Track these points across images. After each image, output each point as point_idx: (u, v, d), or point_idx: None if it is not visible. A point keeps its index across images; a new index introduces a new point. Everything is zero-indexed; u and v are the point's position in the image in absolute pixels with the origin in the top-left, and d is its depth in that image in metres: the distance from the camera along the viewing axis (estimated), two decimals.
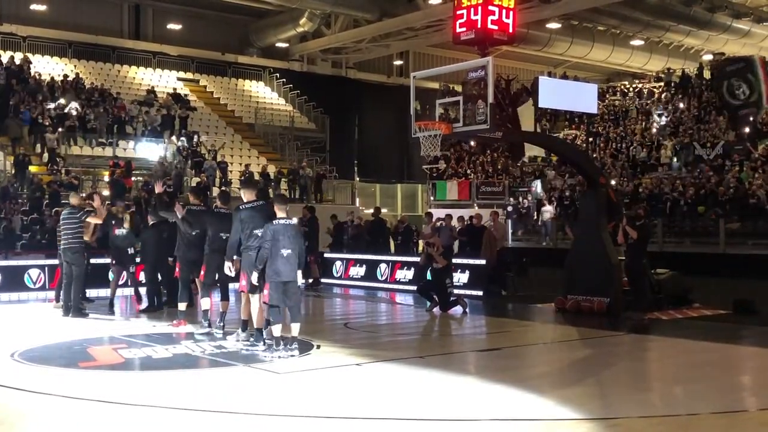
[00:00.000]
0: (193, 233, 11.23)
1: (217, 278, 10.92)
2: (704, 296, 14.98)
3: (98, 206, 13.75)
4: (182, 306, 11.85)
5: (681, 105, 31.43)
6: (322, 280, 19.85)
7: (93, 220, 13.45)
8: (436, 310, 14.18)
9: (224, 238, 10.52)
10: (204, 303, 11.07)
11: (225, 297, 11.13)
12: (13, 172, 23.53)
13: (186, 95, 33.55)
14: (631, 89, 36.66)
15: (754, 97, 25.72)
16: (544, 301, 15.34)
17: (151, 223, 14.14)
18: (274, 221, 9.22)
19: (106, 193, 23.59)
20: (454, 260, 17.39)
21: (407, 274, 18.56)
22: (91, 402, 7.20)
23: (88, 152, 26.77)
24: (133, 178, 25.08)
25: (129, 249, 14.14)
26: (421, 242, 21.98)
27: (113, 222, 14.23)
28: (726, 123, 27.91)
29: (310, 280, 18.95)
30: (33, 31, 32.81)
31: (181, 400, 7.26)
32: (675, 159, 27.23)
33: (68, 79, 30.08)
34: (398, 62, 42.40)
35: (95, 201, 14.00)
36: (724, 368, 9.31)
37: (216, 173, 26.92)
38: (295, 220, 9.78)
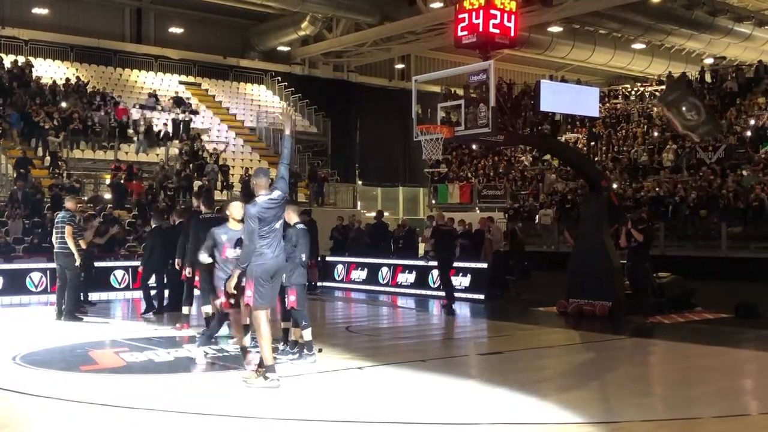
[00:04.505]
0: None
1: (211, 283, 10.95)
2: (706, 300, 14.96)
3: (89, 238, 13.84)
4: (186, 310, 11.90)
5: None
6: (325, 284, 19.86)
7: (69, 238, 12.81)
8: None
9: None
10: (203, 313, 11.07)
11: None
12: (14, 175, 23.54)
13: (188, 99, 33.58)
14: (632, 93, 36.66)
15: (703, 116, 25.91)
16: (546, 305, 15.33)
17: (153, 226, 14.11)
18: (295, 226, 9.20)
19: (108, 196, 23.67)
20: (455, 264, 17.46)
21: (408, 277, 18.57)
22: (93, 405, 7.19)
23: (89, 155, 26.81)
24: (134, 182, 25.12)
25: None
26: (421, 246, 22.02)
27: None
28: (727, 126, 27.89)
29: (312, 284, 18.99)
30: (35, 35, 32.85)
31: (183, 403, 7.25)
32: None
33: (70, 82, 30.13)
34: (400, 66, 42.43)
35: (88, 233, 14.14)
36: (726, 372, 9.29)
37: (218, 177, 26.96)
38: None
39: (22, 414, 7.02)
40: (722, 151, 26.24)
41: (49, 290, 16.16)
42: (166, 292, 14.05)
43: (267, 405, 7.25)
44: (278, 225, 7.93)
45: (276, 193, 7.89)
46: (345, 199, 31.23)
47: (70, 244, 12.83)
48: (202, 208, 11.41)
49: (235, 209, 8.94)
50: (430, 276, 17.87)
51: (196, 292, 12.39)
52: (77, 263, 13.02)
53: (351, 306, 17.40)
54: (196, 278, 11.19)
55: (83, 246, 13.56)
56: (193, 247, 11.02)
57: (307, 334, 9.22)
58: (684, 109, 24.95)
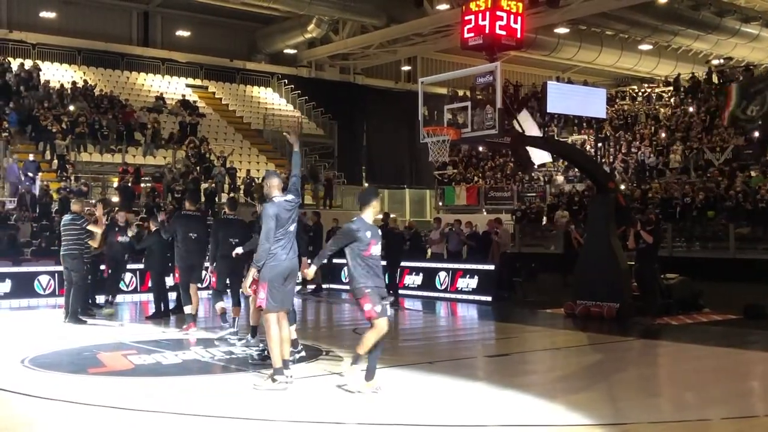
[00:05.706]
0: (193, 237, 11.58)
1: (228, 283, 11.13)
2: (714, 301, 14.93)
3: (99, 215, 13.80)
4: (188, 309, 11.98)
5: (690, 109, 31.35)
6: (332, 286, 19.85)
7: (92, 228, 13.31)
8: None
9: (233, 243, 10.75)
10: (218, 309, 11.18)
11: (236, 303, 11.21)
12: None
13: (195, 102, 33.67)
14: (639, 94, 36.55)
15: (763, 111, 25.91)
16: (553, 307, 15.31)
17: (153, 229, 14.05)
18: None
19: (115, 199, 23.72)
20: (462, 266, 17.50)
21: (416, 279, 18.55)
22: (101, 408, 7.21)
23: (97, 159, 26.88)
24: (141, 185, 25.19)
25: (124, 255, 14.99)
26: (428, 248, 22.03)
27: (116, 229, 14.59)
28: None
29: (313, 286, 19.05)
30: (42, 39, 33.02)
31: (191, 406, 7.26)
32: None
33: (77, 85, 30.23)
34: (406, 68, 42.45)
35: (97, 210, 14.06)
36: (735, 373, 9.27)
37: (225, 179, 27.01)
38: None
39: (29, 417, 7.04)
40: (729, 152, 26.18)
41: (57, 293, 16.19)
42: (172, 295, 14.11)
43: (276, 407, 7.25)
44: (292, 228, 8.00)
45: (290, 196, 8.06)
46: (352, 202, 31.22)
47: (96, 228, 13.30)
48: (226, 209, 11.73)
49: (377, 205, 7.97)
50: (437, 278, 17.88)
51: (203, 294, 12.52)
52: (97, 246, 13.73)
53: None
54: (213, 279, 11.29)
55: (94, 245, 13.65)
56: (213, 247, 11.14)
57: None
58: (756, 99, 24.90)
